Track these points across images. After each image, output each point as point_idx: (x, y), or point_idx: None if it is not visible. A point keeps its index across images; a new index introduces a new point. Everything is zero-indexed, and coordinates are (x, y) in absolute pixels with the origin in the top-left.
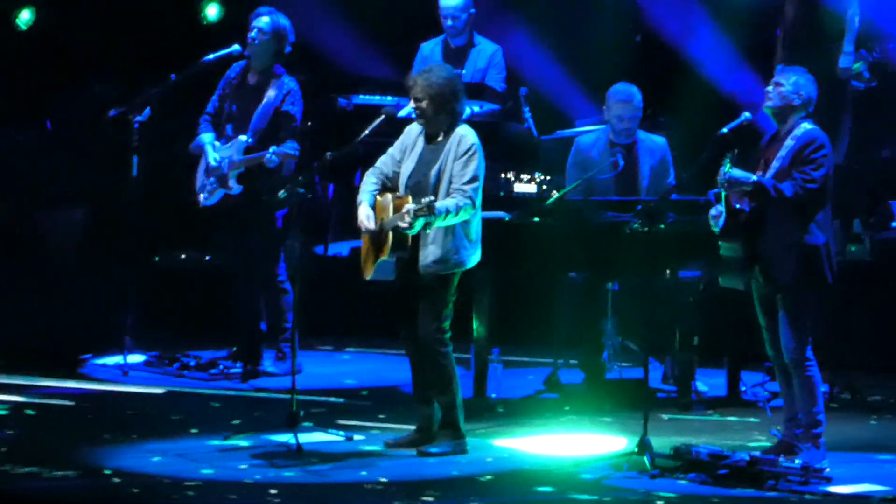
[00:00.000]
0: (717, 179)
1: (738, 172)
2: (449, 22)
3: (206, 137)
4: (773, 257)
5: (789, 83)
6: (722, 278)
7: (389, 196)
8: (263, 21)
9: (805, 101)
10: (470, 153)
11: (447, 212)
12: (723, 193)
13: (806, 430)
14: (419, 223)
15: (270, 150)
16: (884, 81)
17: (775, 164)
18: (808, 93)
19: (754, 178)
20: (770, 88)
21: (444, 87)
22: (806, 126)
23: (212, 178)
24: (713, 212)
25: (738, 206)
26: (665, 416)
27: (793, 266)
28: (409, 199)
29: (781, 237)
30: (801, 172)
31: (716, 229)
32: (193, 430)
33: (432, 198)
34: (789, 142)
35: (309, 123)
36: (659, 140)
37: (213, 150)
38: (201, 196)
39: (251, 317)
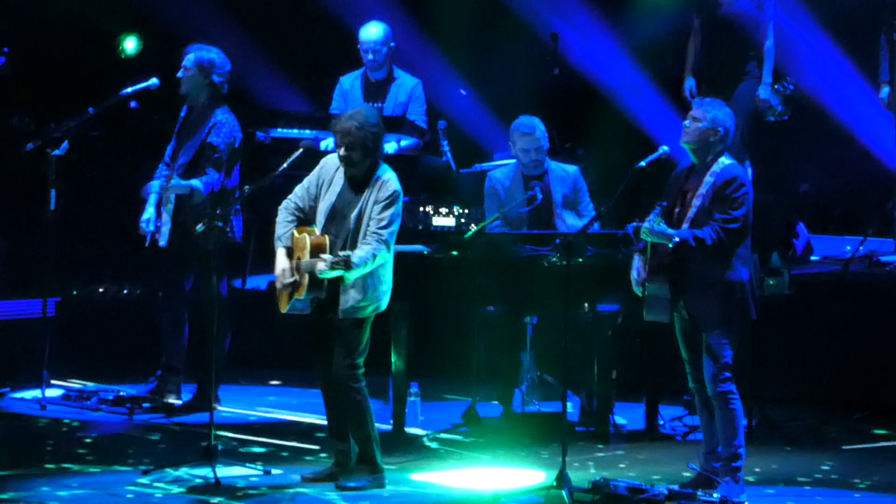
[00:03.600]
0: (643, 227)
1: (663, 228)
2: (370, 56)
3: (153, 186)
4: (697, 295)
5: (707, 118)
6: (646, 312)
7: (307, 234)
8: (188, 58)
9: (723, 136)
10: (391, 199)
11: (365, 263)
12: (648, 242)
13: (725, 462)
14: (332, 273)
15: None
16: (802, 116)
17: (696, 203)
18: (727, 126)
19: (677, 237)
20: (687, 123)
21: (377, 133)
22: (724, 161)
23: (161, 219)
24: (635, 276)
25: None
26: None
27: (717, 303)
28: (326, 239)
29: (705, 275)
30: (723, 213)
31: (637, 291)
32: (112, 464)
33: (349, 254)
34: (708, 178)
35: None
36: (570, 168)
37: (153, 205)
38: (157, 237)
39: (173, 351)
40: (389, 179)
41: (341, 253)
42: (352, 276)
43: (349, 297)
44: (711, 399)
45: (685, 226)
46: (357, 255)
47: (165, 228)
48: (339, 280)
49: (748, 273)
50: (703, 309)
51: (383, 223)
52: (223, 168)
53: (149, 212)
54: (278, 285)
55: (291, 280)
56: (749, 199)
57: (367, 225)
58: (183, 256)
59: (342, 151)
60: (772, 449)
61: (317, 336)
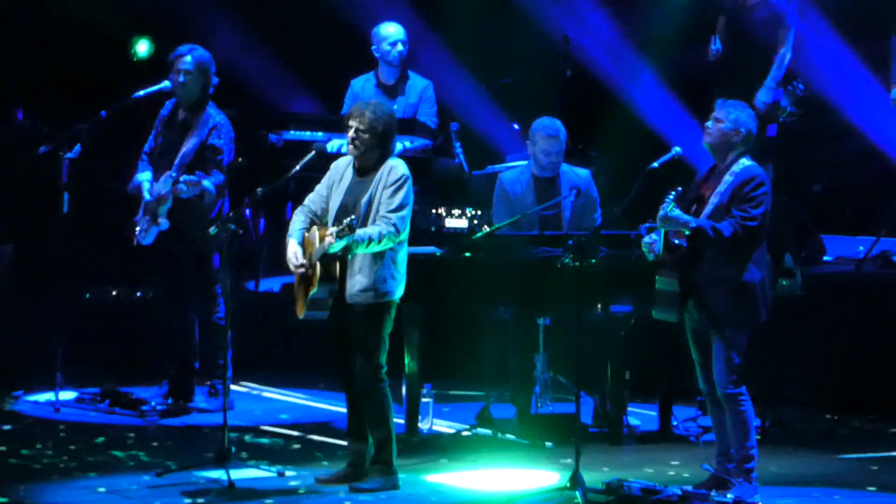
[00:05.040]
0: (657, 216)
1: (678, 213)
2: (399, 47)
3: (144, 176)
4: (708, 293)
5: (729, 119)
6: (655, 310)
7: (316, 230)
8: (187, 60)
9: (745, 138)
10: (400, 182)
11: (370, 239)
12: (662, 231)
13: (738, 464)
14: (341, 242)
15: (181, 179)
16: (815, 116)
17: (713, 200)
18: (749, 128)
19: (693, 223)
20: (710, 123)
21: (388, 122)
22: (745, 162)
23: (147, 217)
24: (647, 239)
25: (676, 241)
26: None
27: (727, 303)
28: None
29: (717, 273)
30: (741, 210)
31: (650, 257)
32: (125, 467)
33: (353, 217)
34: (728, 178)
35: (240, 159)
36: (582, 172)
37: (150, 187)
38: (139, 235)
39: (183, 353)
40: (397, 165)
41: (345, 220)
42: (358, 250)
43: (355, 282)
44: (721, 400)
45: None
46: (363, 230)
47: (155, 229)
48: (346, 269)
49: (760, 274)
50: (712, 308)
51: (393, 206)
52: (225, 170)
53: (146, 190)
54: (290, 266)
55: (303, 263)
56: (768, 199)
57: (377, 210)
58: (184, 258)
59: (351, 133)
60: (785, 450)
61: (336, 339)
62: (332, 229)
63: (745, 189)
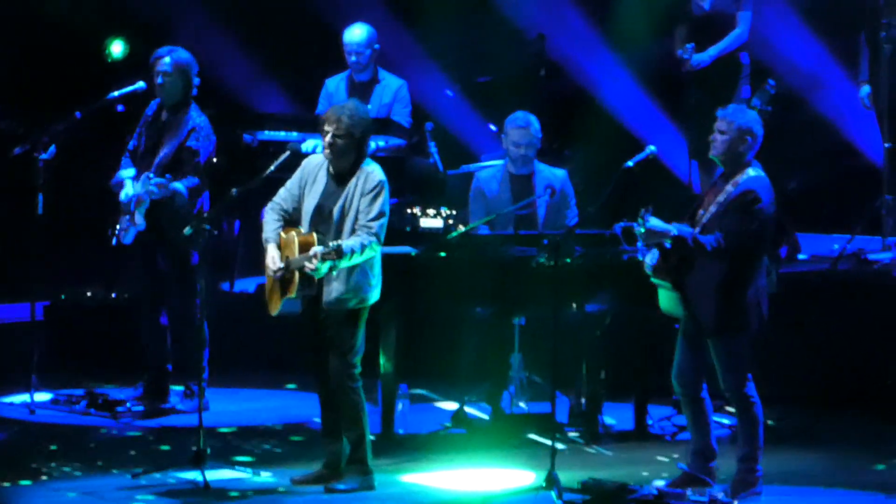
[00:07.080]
0: (638, 233)
1: (655, 223)
2: (353, 58)
3: (126, 173)
4: (700, 302)
5: (732, 129)
6: (663, 305)
7: (294, 233)
8: (165, 62)
9: (751, 144)
10: (377, 189)
11: (352, 252)
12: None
13: (743, 466)
14: (325, 266)
15: (152, 181)
16: (789, 114)
17: (712, 209)
18: (754, 133)
19: (674, 232)
20: (714, 136)
21: (365, 127)
22: (750, 173)
23: (127, 216)
24: (648, 260)
25: (668, 245)
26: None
27: (720, 312)
28: (314, 236)
29: (708, 282)
30: (732, 225)
31: (648, 271)
32: (101, 469)
33: (340, 242)
34: (730, 187)
35: (214, 159)
36: (558, 172)
37: (131, 185)
38: (120, 234)
39: (158, 354)
40: (374, 170)
41: (331, 243)
42: (342, 264)
43: (332, 289)
44: (731, 403)
45: (697, 229)
46: (346, 242)
47: (133, 229)
48: (327, 273)
49: (754, 283)
50: (705, 318)
51: (372, 215)
52: (202, 172)
53: (127, 187)
54: (268, 271)
55: (281, 267)
56: (764, 214)
57: (354, 218)
58: (161, 258)
59: (328, 139)
60: (767, 449)
61: (310, 338)
62: (317, 249)
63: (738, 204)
